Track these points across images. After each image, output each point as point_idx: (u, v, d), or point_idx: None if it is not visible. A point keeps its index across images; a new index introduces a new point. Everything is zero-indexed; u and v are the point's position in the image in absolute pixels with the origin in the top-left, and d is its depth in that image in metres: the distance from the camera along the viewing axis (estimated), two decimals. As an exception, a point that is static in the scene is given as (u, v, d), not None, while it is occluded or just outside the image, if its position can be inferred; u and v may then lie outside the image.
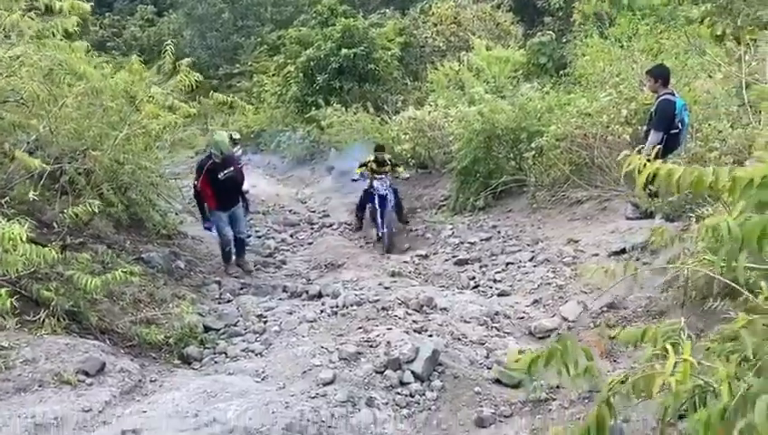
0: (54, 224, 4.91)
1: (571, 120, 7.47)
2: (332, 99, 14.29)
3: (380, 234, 8.68)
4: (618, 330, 2.01)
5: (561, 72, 11.21)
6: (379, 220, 8.70)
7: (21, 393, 3.32)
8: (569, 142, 7.47)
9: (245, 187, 7.90)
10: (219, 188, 6.75)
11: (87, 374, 3.65)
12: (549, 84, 10.15)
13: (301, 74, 15.53)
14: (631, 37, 9.37)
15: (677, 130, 5.88)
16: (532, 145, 7.80)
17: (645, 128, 6.05)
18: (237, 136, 11.10)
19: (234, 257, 7.23)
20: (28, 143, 5.14)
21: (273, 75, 17.79)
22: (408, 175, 10.16)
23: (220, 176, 6.66)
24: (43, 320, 4.04)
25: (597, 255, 5.78)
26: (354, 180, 9.43)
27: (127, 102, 5.99)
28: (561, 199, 7.70)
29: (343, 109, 13.28)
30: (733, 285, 2.54)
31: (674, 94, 5.94)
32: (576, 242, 6.38)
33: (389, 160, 9.43)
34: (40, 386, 3.42)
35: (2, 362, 3.47)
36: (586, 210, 7.20)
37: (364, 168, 9.24)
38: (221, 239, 7.07)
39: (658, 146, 5.49)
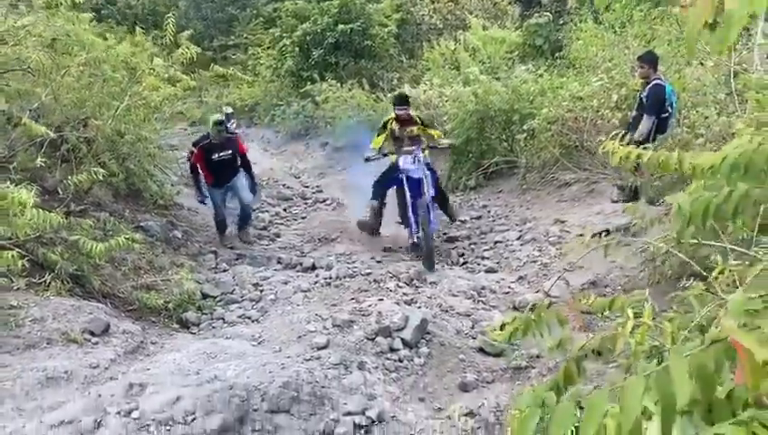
0: (58, 190, 5.04)
1: (562, 104, 7.63)
2: (328, 74, 14.33)
3: (415, 239, 6.19)
4: (590, 299, 2.21)
5: (557, 54, 11.32)
6: (411, 217, 6.17)
7: (31, 350, 3.50)
8: (560, 125, 7.64)
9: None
10: (212, 168, 6.80)
11: (92, 334, 3.84)
12: (543, 67, 10.27)
13: (296, 48, 15.52)
14: (625, 24, 9.49)
15: (667, 115, 6.11)
16: (524, 127, 7.96)
17: (634, 113, 6.24)
18: (230, 110, 11.09)
19: (228, 228, 7.34)
20: (31, 111, 5.24)
21: (269, 48, 17.73)
22: (450, 142, 7.24)
23: (214, 157, 6.69)
24: (49, 282, 4.20)
25: (582, 235, 6.00)
26: (368, 160, 6.49)
27: (128, 74, 6.08)
28: (551, 181, 7.91)
29: (338, 84, 13.34)
30: (707, 261, 2.76)
31: (662, 80, 6.13)
32: (563, 223, 6.61)
33: (418, 118, 6.74)
34: (48, 343, 3.60)
35: (12, 321, 3.64)
36: (574, 192, 7.42)
37: (383, 134, 6.58)
38: (215, 211, 7.19)
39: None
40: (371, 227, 6.90)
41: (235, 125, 10.82)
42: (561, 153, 7.69)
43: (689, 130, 6.20)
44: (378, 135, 6.66)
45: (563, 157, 7.67)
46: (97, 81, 5.96)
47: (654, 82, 6.03)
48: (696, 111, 6.39)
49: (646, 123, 5.93)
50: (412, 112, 6.76)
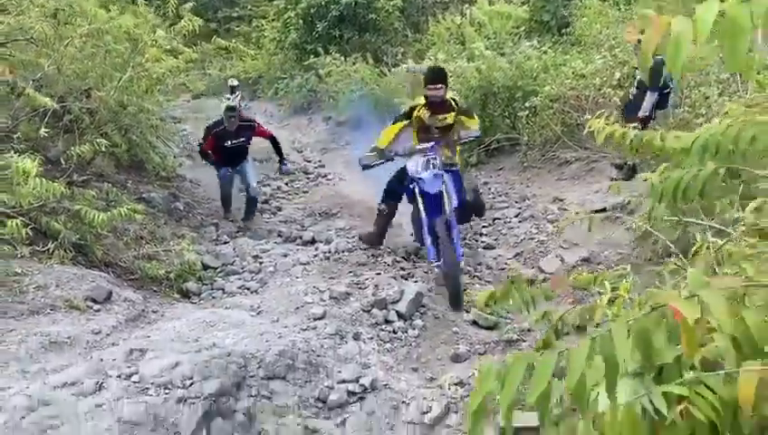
0: (61, 161, 5.10)
1: (565, 82, 7.62)
2: (332, 47, 14.22)
3: (435, 269, 4.87)
4: (576, 275, 2.28)
5: (564, 30, 11.22)
6: (428, 241, 4.77)
7: (35, 315, 3.59)
8: (562, 103, 7.64)
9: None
10: (223, 154, 6.70)
11: (95, 301, 3.94)
12: (549, 43, 10.19)
13: (300, 21, 15.38)
14: (631, 0, 9.41)
15: (668, 91, 6.16)
16: (527, 104, 7.95)
17: (634, 91, 6.26)
18: (235, 83, 11.05)
19: (233, 205, 7.34)
20: (34, 81, 5.27)
21: (273, 20, 17.57)
22: (479, 133, 5.62)
23: (227, 144, 6.60)
24: (52, 251, 4.29)
25: (578, 213, 6.06)
26: (367, 167, 5.05)
27: (130, 45, 6.10)
28: (551, 159, 7.94)
29: (342, 58, 13.27)
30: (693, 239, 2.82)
31: (663, 56, 6.14)
32: (561, 200, 6.66)
33: (453, 101, 5.19)
34: (52, 310, 3.70)
35: (16, 287, 3.74)
36: (574, 170, 7.45)
37: (400, 124, 5.11)
38: (221, 189, 7.14)
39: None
40: (373, 237, 5.61)
41: (239, 97, 10.76)
42: (562, 131, 7.70)
43: (690, 109, 6.22)
44: (393, 123, 5.16)
45: (565, 135, 7.68)
46: (99, 52, 5.97)
47: (655, 58, 6.05)
48: (699, 91, 6.39)
49: (649, 99, 5.99)
50: (448, 94, 5.12)
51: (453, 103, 5.19)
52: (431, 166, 4.79)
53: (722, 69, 7.07)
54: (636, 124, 5.97)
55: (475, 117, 5.47)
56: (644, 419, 0.96)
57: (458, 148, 5.38)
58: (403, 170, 5.14)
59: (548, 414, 0.88)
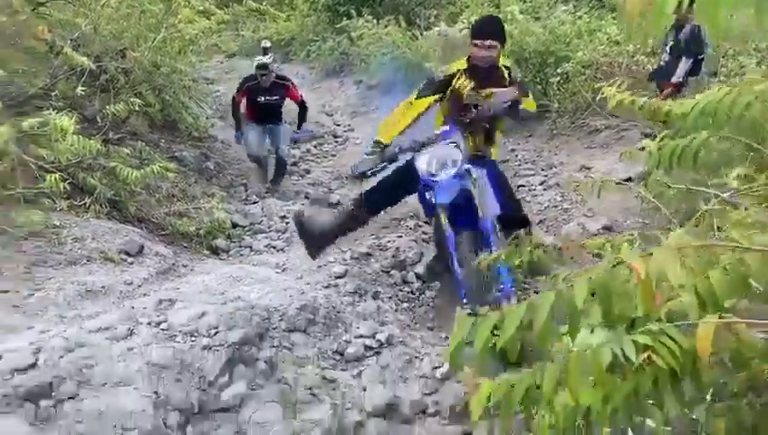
0: (97, 119, 5.28)
1: (598, 48, 7.48)
2: (365, 9, 14.09)
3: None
4: (588, 241, 2.34)
5: (602, -7, 10.92)
6: (458, 273, 3.33)
7: (72, 265, 3.80)
8: (594, 70, 7.51)
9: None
10: (255, 109, 6.81)
11: (128, 254, 4.14)
12: (586, 8, 9.93)
13: (334, -18, 15.25)
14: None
15: (702, 57, 6.05)
16: (558, 70, 7.83)
17: (666, 57, 6.14)
18: (268, 44, 11.08)
19: (269, 171, 7.37)
20: (71, 40, 5.43)
21: (307, -19, 17.43)
22: (534, 110, 3.89)
23: (260, 100, 6.70)
24: (89, 205, 4.49)
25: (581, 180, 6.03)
26: (362, 175, 3.70)
27: (164, 6, 6.20)
28: (581, 127, 7.84)
29: (375, 21, 13.15)
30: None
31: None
32: (588, 169, 6.62)
33: (506, 71, 3.79)
34: (88, 261, 3.90)
35: (55, 239, 3.95)
36: (603, 139, 7.36)
37: (435, 97, 3.69)
38: (248, 151, 7.21)
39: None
40: (318, 234, 4.05)
41: (272, 59, 10.79)
42: (593, 98, 7.58)
43: (725, 78, 6.08)
44: (418, 96, 3.66)
45: (595, 102, 7.57)
46: (134, 12, 6.09)
47: (694, 24, 5.93)
48: (735, 59, 6.23)
49: (683, 66, 5.90)
50: (501, 60, 3.75)
51: (506, 74, 3.72)
52: (449, 162, 3.36)
53: (763, 37, 6.84)
54: (669, 90, 5.91)
55: (531, 97, 3.79)
56: (615, 364, 1.04)
57: (499, 135, 3.89)
58: (401, 172, 3.73)
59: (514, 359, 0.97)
